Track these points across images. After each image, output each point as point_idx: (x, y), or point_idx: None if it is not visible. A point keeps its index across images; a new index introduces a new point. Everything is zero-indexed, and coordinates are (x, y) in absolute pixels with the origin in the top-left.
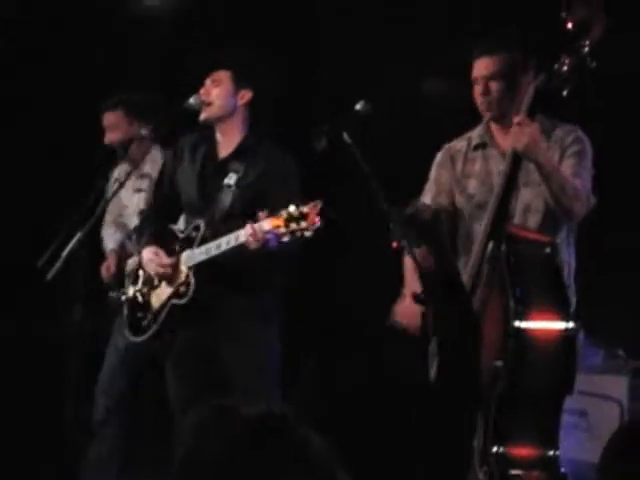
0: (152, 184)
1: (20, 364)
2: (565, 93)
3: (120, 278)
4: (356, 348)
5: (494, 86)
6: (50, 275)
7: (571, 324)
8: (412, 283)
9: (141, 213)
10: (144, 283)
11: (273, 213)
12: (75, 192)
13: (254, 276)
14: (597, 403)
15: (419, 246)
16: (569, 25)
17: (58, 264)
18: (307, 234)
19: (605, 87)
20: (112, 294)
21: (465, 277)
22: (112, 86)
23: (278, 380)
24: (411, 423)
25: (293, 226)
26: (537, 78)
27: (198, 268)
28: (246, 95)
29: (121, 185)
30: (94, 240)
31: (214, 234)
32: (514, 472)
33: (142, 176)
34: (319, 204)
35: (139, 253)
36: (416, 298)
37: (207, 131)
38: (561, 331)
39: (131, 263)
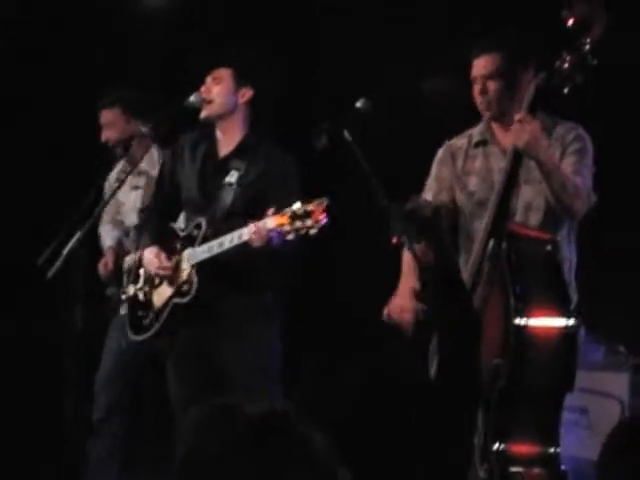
0: (149, 181)
1: (20, 364)
2: (566, 91)
3: (118, 275)
4: (356, 347)
5: (492, 85)
6: (50, 273)
7: (571, 322)
8: (408, 279)
9: (141, 212)
10: (145, 282)
11: (277, 211)
12: (75, 192)
13: (257, 275)
14: (598, 400)
15: (419, 242)
16: (570, 23)
17: (58, 262)
18: (312, 232)
19: (606, 85)
20: (109, 291)
21: (466, 275)
22: (112, 86)
23: (279, 379)
24: (411, 422)
25: (298, 224)
26: (538, 76)
27: (201, 266)
28: (247, 93)
29: (120, 184)
30: (94, 239)
31: (215, 232)
32: (515, 469)
33: (139, 173)
34: (325, 201)
35: (138, 250)
36: (417, 296)
37: (207, 129)
38: (561, 329)
39: (129, 260)
